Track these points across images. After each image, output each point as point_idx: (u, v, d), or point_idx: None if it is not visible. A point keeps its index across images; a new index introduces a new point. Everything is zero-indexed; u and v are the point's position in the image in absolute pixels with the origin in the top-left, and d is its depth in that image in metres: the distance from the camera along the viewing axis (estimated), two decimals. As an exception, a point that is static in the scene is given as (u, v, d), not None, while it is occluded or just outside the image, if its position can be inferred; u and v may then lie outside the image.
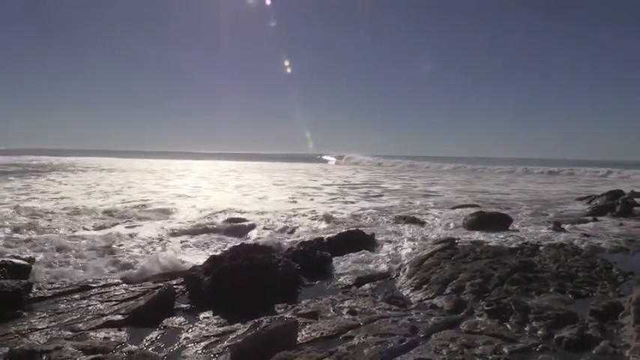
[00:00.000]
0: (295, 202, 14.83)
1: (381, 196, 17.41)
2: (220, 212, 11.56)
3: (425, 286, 5.45)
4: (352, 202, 14.92)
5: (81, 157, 65.26)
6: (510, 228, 9.34)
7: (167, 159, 64.51)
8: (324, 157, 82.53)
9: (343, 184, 23.10)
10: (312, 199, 15.72)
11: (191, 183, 22.36)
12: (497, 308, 4.47)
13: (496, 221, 9.48)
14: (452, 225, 9.99)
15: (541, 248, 7.21)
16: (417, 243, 7.77)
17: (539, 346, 3.74)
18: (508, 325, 4.20)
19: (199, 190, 18.41)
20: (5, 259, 5.92)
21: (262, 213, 11.84)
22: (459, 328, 4.14)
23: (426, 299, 5.13)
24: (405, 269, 6.16)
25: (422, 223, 10.12)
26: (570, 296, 5.01)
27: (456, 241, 7.42)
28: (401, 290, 5.50)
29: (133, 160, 56.01)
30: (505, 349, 3.65)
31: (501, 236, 8.30)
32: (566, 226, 9.45)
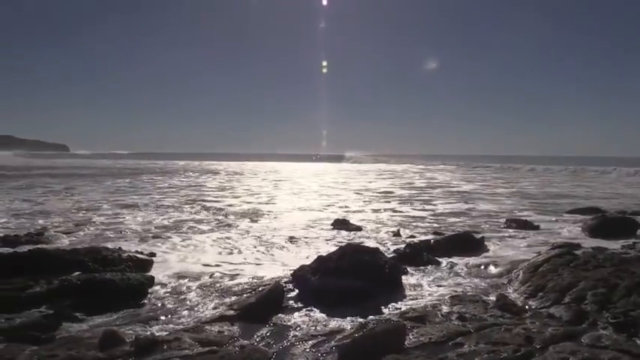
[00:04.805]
0: (397, 204, 14.70)
1: (475, 197, 16.68)
2: (328, 214, 11.74)
3: (540, 294, 5.13)
4: (453, 204, 14.47)
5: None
6: (638, 233, 8.55)
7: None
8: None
9: (427, 186, 22.35)
10: (414, 201, 15.47)
11: (277, 188, 22.71)
12: (624, 321, 4.10)
13: (621, 226, 8.74)
14: (568, 230, 9.38)
15: (675, 257, 6.51)
16: (530, 248, 7.35)
17: (676, 366, 3.38)
18: (638, 341, 3.83)
19: (302, 194, 18.73)
20: (130, 253, 6.43)
21: (368, 212, 11.89)
22: (580, 341, 3.84)
23: (541, 308, 4.82)
24: (518, 275, 5.85)
25: (535, 227, 9.56)
26: None
27: (575, 247, 6.91)
28: (514, 297, 5.23)
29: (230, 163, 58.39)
30: (635, 367, 3.34)
31: (628, 242, 7.61)
32: None
